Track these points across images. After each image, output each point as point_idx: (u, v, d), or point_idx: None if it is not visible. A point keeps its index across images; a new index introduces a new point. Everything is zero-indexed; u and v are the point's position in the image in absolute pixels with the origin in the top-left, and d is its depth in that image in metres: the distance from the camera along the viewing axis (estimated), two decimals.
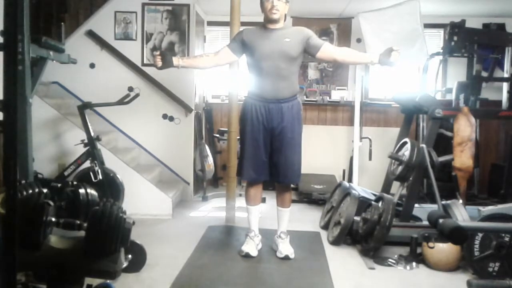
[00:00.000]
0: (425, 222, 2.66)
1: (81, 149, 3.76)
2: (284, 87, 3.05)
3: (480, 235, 2.83)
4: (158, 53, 3.08)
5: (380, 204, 3.23)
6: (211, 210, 4.49)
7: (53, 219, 1.94)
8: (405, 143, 3.54)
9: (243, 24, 3.85)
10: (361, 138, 5.10)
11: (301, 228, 3.86)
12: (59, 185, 2.47)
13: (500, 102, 4.43)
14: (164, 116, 4.75)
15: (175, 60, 3.08)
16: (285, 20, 3.14)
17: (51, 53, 3.05)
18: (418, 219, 3.56)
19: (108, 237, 1.87)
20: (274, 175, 3.17)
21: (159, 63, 3.05)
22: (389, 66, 3.00)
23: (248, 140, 3.12)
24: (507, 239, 2.79)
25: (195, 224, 3.95)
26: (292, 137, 3.09)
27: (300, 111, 3.16)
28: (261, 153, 3.11)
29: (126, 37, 4.70)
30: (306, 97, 5.40)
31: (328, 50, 3.11)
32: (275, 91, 3.03)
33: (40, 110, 3.85)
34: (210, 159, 4.92)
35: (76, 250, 1.91)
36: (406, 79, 5.36)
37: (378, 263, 3.11)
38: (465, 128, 3.39)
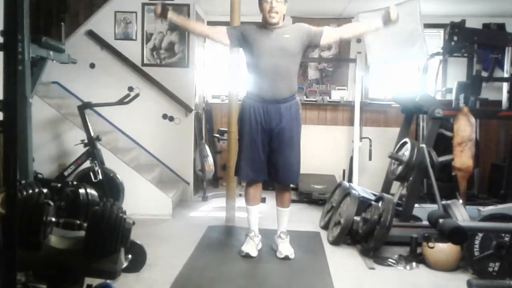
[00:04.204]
0: (425, 222, 2.66)
1: (81, 149, 3.76)
2: (282, 87, 3.03)
3: (480, 235, 2.83)
4: (157, 5, 3.00)
5: (380, 204, 3.23)
6: (211, 210, 4.49)
7: (53, 219, 1.94)
8: (405, 143, 3.54)
9: (243, 24, 3.85)
10: (361, 138, 5.11)
11: (301, 228, 3.86)
12: (59, 185, 2.47)
13: (500, 102, 4.43)
14: (164, 116, 4.75)
15: (170, 14, 3.00)
16: (283, 19, 3.10)
17: (51, 53, 3.05)
18: (418, 219, 3.56)
19: (108, 237, 1.87)
20: (273, 176, 3.17)
21: (158, 11, 2.98)
22: (393, 24, 2.90)
23: (246, 140, 3.12)
24: (507, 239, 2.79)
25: (195, 224, 3.95)
26: (290, 137, 3.09)
27: (299, 111, 3.15)
28: (260, 153, 3.11)
29: (126, 37, 4.70)
30: (306, 97, 5.40)
31: (331, 33, 3.07)
32: (273, 91, 3.02)
33: (40, 110, 3.85)
34: (210, 159, 4.92)
35: (76, 250, 1.91)
36: (406, 79, 5.36)
37: (378, 263, 3.11)
38: (465, 128, 3.39)
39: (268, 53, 3.00)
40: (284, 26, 3.10)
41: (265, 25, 3.06)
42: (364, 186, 4.17)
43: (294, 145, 3.13)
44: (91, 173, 3.64)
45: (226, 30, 3.11)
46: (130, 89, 4.54)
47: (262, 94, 3.05)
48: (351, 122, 5.32)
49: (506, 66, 4.45)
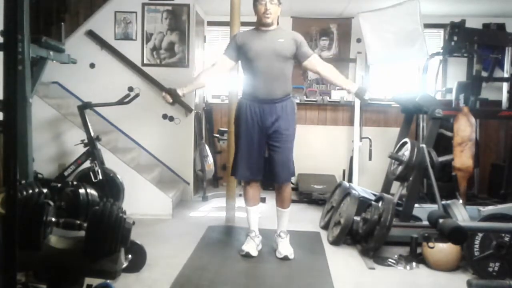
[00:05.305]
0: (425, 222, 2.65)
1: (81, 149, 3.76)
2: (277, 87, 3.07)
3: (480, 235, 2.83)
4: (164, 94, 3.15)
5: (380, 204, 3.23)
6: (211, 210, 4.49)
7: (53, 219, 1.94)
8: (405, 143, 3.53)
9: (243, 24, 3.85)
10: (361, 138, 5.11)
11: (301, 228, 3.85)
12: (59, 185, 2.47)
13: (500, 102, 4.43)
14: (164, 116, 4.75)
15: (180, 92, 3.13)
16: (278, 22, 3.16)
17: (51, 53, 3.05)
18: (418, 219, 3.56)
19: (108, 237, 1.87)
20: (268, 175, 3.19)
21: (170, 100, 3.13)
22: (362, 101, 3.46)
23: (243, 140, 3.14)
24: (507, 239, 2.79)
25: (195, 224, 3.95)
26: (286, 135, 3.13)
27: (294, 110, 3.19)
28: (256, 152, 3.13)
29: (126, 37, 4.70)
30: (306, 97, 5.40)
31: (315, 62, 3.17)
32: (268, 91, 3.06)
33: (40, 110, 3.84)
34: (210, 159, 4.92)
35: (76, 250, 1.91)
36: (406, 79, 5.36)
37: (378, 263, 3.11)
38: (465, 128, 3.39)
39: (262, 55, 3.05)
40: (279, 29, 3.16)
41: (259, 27, 3.12)
42: (364, 186, 4.17)
43: (289, 144, 3.17)
44: (91, 173, 3.64)
45: (225, 55, 3.17)
46: (130, 89, 4.54)
47: (257, 94, 3.09)
48: (351, 122, 5.32)
49: (506, 66, 4.44)
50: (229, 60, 3.17)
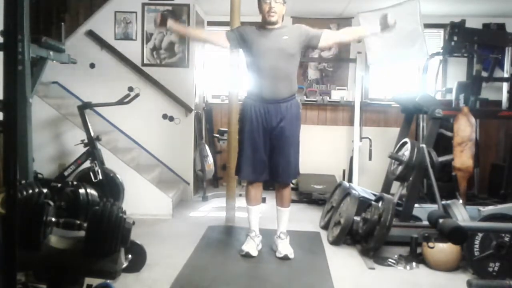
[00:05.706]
0: (425, 222, 2.66)
1: (81, 149, 3.76)
2: (282, 87, 3.06)
3: (480, 235, 2.83)
4: (159, 13, 3.13)
5: (380, 204, 3.23)
6: (211, 210, 4.49)
7: (53, 219, 1.94)
8: (405, 143, 3.54)
9: (243, 24, 3.85)
10: (361, 138, 5.10)
11: (301, 228, 3.85)
12: (59, 185, 2.47)
13: (500, 102, 4.43)
14: (164, 116, 4.75)
15: (169, 23, 3.07)
16: (282, 20, 3.14)
17: (51, 53, 3.05)
18: (418, 219, 3.56)
19: (108, 237, 1.87)
20: (272, 174, 3.19)
21: (159, 20, 3.04)
22: (390, 29, 2.99)
23: (247, 140, 3.14)
24: (507, 239, 2.79)
25: (195, 224, 3.95)
26: (291, 136, 3.12)
27: (299, 110, 3.19)
28: (260, 152, 3.13)
29: (126, 37, 4.70)
30: (306, 97, 5.40)
31: (329, 36, 3.14)
32: (273, 91, 3.05)
33: (40, 110, 3.84)
34: (210, 159, 4.92)
35: (76, 250, 1.91)
36: (406, 79, 5.36)
37: (378, 263, 3.11)
38: (465, 128, 3.39)
39: (267, 54, 3.03)
40: (283, 27, 3.14)
41: (264, 26, 3.09)
42: (364, 186, 4.17)
43: (294, 144, 3.16)
44: (91, 173, 3.64)
45: (225, 33, 3.16)
46: (130, 89, 4.54)
47: (262, 94, 3.07)
48: (351, 122, 5.32)
49: (506, 66, 4.45)
50: (225, 40, 3.14)
